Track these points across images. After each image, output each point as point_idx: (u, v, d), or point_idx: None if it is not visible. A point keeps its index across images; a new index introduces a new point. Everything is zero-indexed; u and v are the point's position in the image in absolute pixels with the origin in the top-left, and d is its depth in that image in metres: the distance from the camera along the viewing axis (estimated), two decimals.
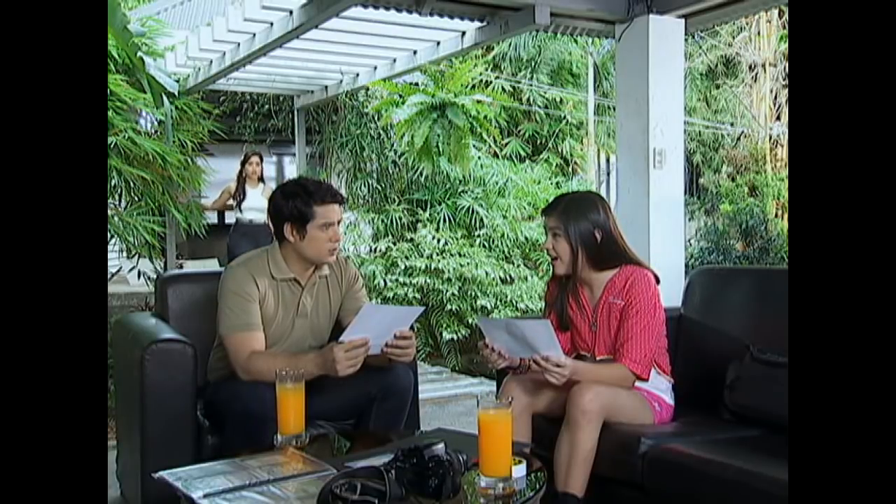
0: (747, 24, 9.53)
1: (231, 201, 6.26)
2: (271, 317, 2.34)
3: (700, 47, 9.84)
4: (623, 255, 2.39)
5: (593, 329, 2.40)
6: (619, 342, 2.31)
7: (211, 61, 5.21)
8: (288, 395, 1.95)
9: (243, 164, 6.16)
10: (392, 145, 7.03)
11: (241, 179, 6.18)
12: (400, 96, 6.47)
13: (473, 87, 7.18)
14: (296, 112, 6.87)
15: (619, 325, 2.33)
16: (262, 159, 6.25)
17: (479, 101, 6.45)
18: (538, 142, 9.03)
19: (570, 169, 9.01)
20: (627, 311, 2.31)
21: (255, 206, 6.10)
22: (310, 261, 2.36)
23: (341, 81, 6.00)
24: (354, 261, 6.16)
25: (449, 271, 6.09)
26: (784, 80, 9.49)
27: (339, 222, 2.34)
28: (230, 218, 8.44)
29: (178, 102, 4.88)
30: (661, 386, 2.38)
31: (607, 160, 9.98)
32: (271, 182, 7.38)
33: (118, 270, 4.97)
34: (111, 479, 2.60)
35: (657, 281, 2.37)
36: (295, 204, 2.30)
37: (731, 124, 10.46)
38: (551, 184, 7.65)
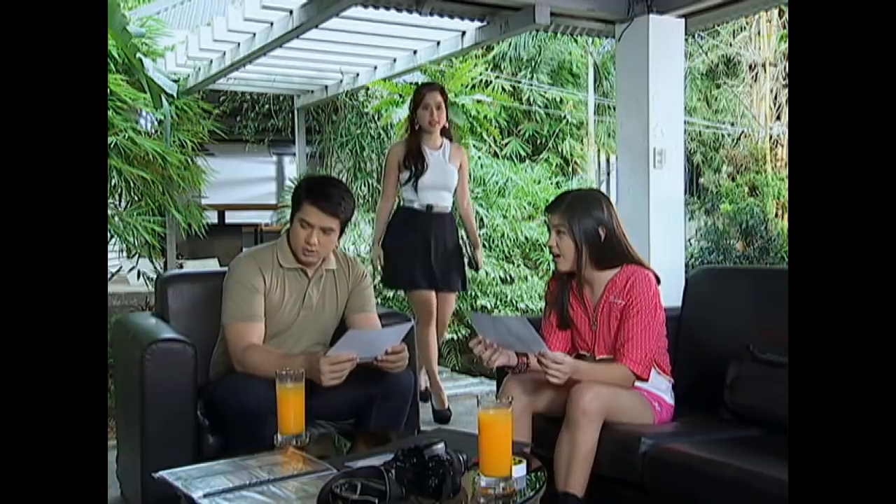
0: (747, 24, 9.51)
1: (402, 175, 3.57)
2: (276, 306, 2.37)
3: (700, 47, 9.83)
4: (625, 255, 2.39)
5: (593, 328, 2.40)
6: (620, 342, 2.31)
7: (211, 61, 5.21)
8: (288, 395, 1.95)
9: (415, 108, 3.58)
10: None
11: (415, 134, 3.59)
12: (400, 96, 6.48)
13: (473, 86, 7.19)
14: (296, 112, 6.88)
15: (620, 325, 2.32)
16: (446, 99, 3.62)
17: (479, 101, 6.47)
18: (538, 142, 9.03)
19: (570, 169, 9.00)
20: (628, 311, 2.31)
21: (438, 183, 3.57)
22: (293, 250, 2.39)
23: (341, 81, 6.00)
24: None
25: None
26: (784, 80, 9.48)
27: (325, 230, 2.32)
28: (232, 218, 8.37)
29: (178, 102, 4.88)
30: (661, 386, 2.38)
31: (607, 160, 9.97)
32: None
33: (118, 270, 4.97)
34: (111, 479, 2.59)
35: (658, 281, 2.37)
36: (298, 191, 2.39)
37: (732, 124, 10.45)
38: (551, 184, 7.66)
